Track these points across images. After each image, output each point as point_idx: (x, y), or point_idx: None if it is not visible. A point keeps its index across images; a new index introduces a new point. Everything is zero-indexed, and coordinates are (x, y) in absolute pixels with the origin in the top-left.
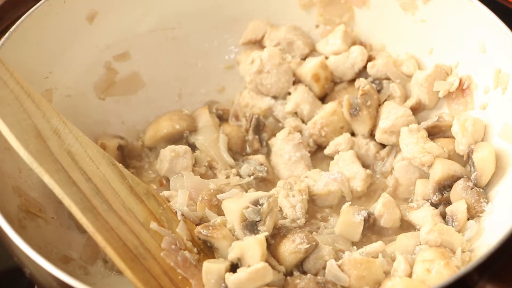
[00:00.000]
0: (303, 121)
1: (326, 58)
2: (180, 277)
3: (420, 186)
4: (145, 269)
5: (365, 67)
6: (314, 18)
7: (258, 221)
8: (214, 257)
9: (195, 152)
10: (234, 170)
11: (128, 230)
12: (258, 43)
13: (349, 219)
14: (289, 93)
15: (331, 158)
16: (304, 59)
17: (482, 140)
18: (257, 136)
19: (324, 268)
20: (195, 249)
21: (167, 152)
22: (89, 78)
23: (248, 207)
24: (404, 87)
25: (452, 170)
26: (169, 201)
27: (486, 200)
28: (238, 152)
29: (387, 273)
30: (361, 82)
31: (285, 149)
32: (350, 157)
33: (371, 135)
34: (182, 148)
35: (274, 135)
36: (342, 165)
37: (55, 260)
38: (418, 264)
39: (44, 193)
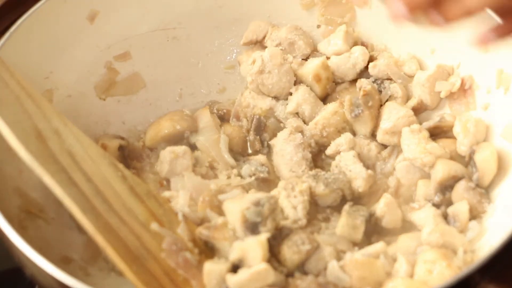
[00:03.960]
0: (304, 122)
1: (328, 58)
2: (181, 278)
3: (421, 186)
4: (146, 270)
5: (366, 68)
6: (315, 18)
7: (259, 222)
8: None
9: (195, 152)
10: (235, 171)
11: (129, 230)
12: (259, 43)
13: (351, 219)
14: (291, 94)
15: (333, 158)
16: (305, 59)
17: (484, 141)
18: (258, 137)
19: (325, 269)
20: (196, 250)
21: (167, 153)
22: (89, 78)
23: (249, 208)
24: (405, 87)
25: (454, 170)
26: (170, 202)
27: (488, 201)
28: (239, 153)
29: (388, 274)
30: (362, 82)
31: (286, 149)
32: (351, 157)
33: (373, 136)
34: (181, 148)
35: (275, 135)
36: (343, 165)
37: (55, 261)
38: (419, 264)
39: (45, 193)
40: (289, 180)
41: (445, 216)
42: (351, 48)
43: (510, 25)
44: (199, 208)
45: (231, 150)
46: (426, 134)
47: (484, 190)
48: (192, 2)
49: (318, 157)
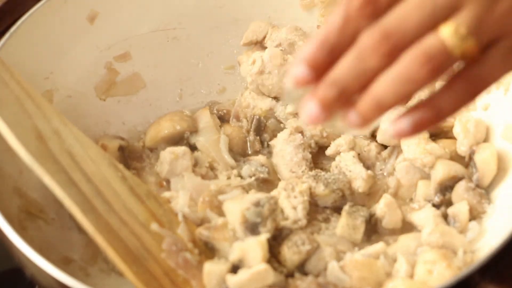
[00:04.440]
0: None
1: None
2: (181, 278)
3: (421, 187)
4: (146, 270)
5: None
6: (315, 19)
7: (259, 223)
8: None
9: (195, 153)
10: (235, 171)
11: (129, 231)
12: (259, 44)
13: (351, 220)
14: None
15: (333, 159)
16: None
17: (484, 141)
18: (258, 137)
19: (325, 269)
20: (196, 250)
21: (167, 154)
22: (89, 79)
23: (249, 208)
24: None
25: (454, 171)
26: (170, 202)
27: (488, 201)
28: (239, 153)
29: (388, 274)
30: None
31: (286, 150)
32: (351, 158)
33: (373, 136)
34: (181, 149)
35: (275, 136)
36: (343, 166)
37: (55, 261)
38: (419, 265)
39: (45, 194)
40: (289, 181)
41: (445, 217)
42: None
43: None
44: (199, 208)
45: (231, 151)
46: (426, 134)
47: (484, 190)
48: (192, 3)
49: (318, 157)
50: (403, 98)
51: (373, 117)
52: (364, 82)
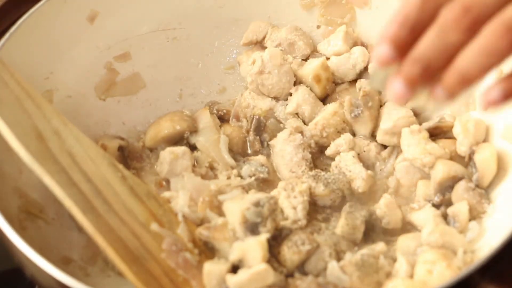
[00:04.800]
0: (304, 122)
1: (327, 59)
2: (181, 278)
3: (421, 187)
4: (146, 270)
5: (366, 68)
6: (315, 19)
7: (259, 223)
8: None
9: (195, 153)
10: (235, 171)
11: (129, 231)
12: (259, 44)
13: (351, 220)
14: (290, 94)
15: (332, 159)
16: (305, 59)
17: (484, 141)
18: (258, 137)
19: (325, 269)
20: (196, 250)
21: (166, 154)
22: (89, 79)
23: (249, 208)
24: None
25: (453, 171)
26: (170, 202)
27: (487, 201)
28: (239, 153)
29: (388, 274)
30: (362, 83)
31: (286, 150)
32: (351, 158)
33: (372, 136)
34: (181, 149)
35: (275, 136)
36: (343, 166)
37: (55, 261)
38: (419, 265)
39: (44, 194)
40: (289, 181)
41: (445, 217)
42: (351, 48)
43: None
44: (199, 208)
45: (231, 151)
46: (426, 134)
47: (484, 190)
48: (192, 3)
49: (318, 157)
50: (487, 70)
51: (459, 90)
52: (447, 57)
